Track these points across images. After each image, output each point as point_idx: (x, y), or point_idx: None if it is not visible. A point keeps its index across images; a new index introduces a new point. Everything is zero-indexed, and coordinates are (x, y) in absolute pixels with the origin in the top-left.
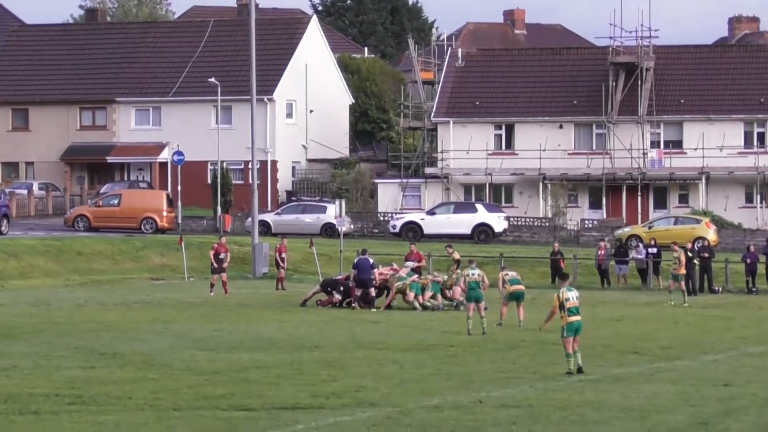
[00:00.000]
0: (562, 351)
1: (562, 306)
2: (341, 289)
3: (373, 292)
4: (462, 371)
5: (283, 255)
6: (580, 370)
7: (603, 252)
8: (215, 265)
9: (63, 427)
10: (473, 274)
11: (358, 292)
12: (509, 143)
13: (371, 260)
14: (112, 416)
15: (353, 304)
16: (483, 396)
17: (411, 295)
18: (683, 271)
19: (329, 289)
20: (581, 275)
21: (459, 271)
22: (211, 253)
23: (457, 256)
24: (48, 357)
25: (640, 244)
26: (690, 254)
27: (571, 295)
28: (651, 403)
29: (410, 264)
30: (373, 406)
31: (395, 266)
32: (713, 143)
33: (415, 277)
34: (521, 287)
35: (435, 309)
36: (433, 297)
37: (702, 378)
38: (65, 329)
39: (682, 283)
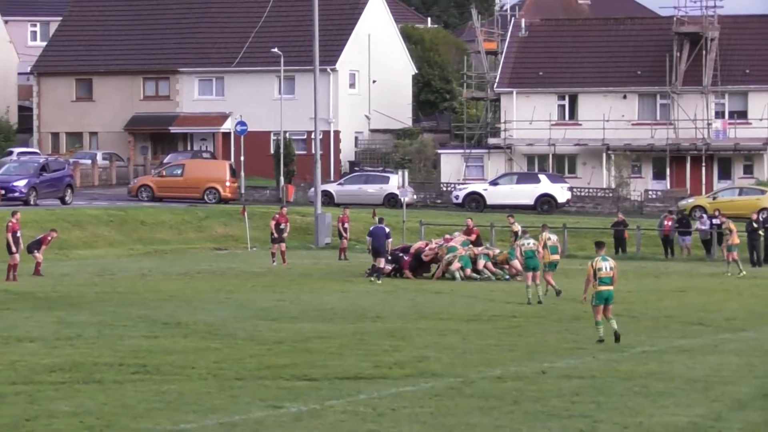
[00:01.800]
0: (627, 322)
1: (594, 275)
2: (389, 258)
3: (382, 263)
4: (525, 342)
5: (346, 225)
6: (617, 338)
7: (670, 223)
8: (275, 235)
9: (127, 396)
10: (528, 244)
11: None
12: (572, 113)
13: (387, 229)
14: (176, 385)
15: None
16: (546, 367)
17: (457, 266)
18: (737, 240)
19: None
20: (644, 246)
21: (517, 242)
22: (272, 223)
23: (517, 227)
24: (112, 326)
25: (704, 215)
26: (755, 225)
27: (605, 265)
28: (715, 374)
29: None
30: (436, 377)
31: (448, 236)
32: None
33: (462, 249)
34: (557, 257)
35: (473, 279)
36: (462, 269)
37: (767, 349)
38: (129, 299)
39: (735, 254)
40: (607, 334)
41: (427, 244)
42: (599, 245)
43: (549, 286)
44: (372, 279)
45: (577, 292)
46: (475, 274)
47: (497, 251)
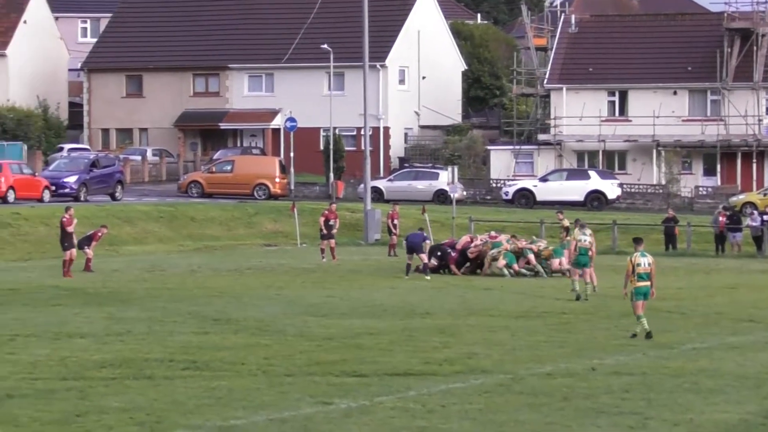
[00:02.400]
0: (677, 319)
1: (633, 270)
2: (438, 254)
3: (425, 258)
4: (574, 338)
5: (396, 221)
6: (648, 336)
7: (724, 219)
8: (325, 231)
9: (177, 392)
10: (585, 240)
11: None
12: (622, 110)
13: (425, 234)
14: (226, 381)
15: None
16: (596, 363)
17: (502, 263)
18: None
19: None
20: (695, 242)
21: (568, 238)
22: (321, 219)
23: (566, 223)
24: (162, 322)
25: (755, 212)
26: None
27: (644, 261)
28: (767, 371)
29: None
30: (485, 373)
31: (494, 233)
32: None
33: (507, 245)
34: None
35: (521, 275)
36: (508, 266)
37: None
38: (179, 295)
39: None
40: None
41: (472, 239)
42: (637, 241)
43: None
44: (425, 276)
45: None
46: (524, 270)
47: (543, 245)
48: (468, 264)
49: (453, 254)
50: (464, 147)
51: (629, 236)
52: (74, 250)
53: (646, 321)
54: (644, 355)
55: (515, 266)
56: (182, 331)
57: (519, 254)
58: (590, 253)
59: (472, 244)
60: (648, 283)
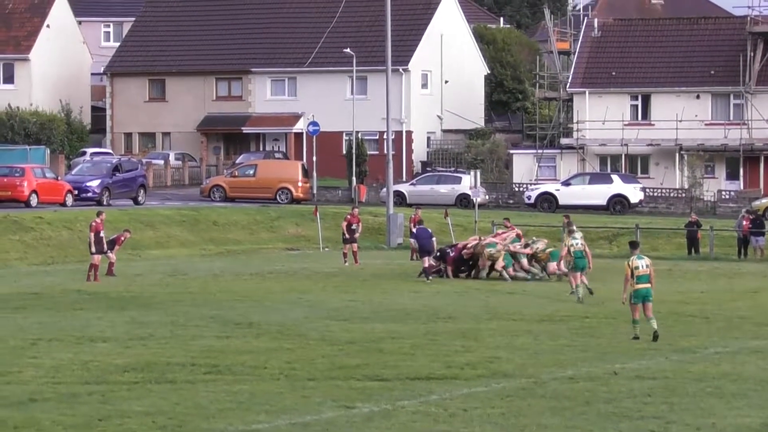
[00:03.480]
0: (699, 323)
1: (632, 274)
2: (437, 254)
3: (427, 261)
4: (596, 343)
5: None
6: (655, 337)
7: (747, 223)
8: (347, 235)
9: (199, 396)
10: (577, 244)
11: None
12: (645, 114)
13: (430, 230)
14: (248, 386)
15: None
16: (618, 368)
17: (501, 264)
18: None
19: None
20: (717, 246)
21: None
22: (344, 223)
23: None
24: (184, 326)
25: None
26: None
27: (641, 264)
28: None
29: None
30: (508, 377)
31: (500, 231)
32: None
33: (501, 246)
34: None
35: (523, 279)
36: (505, 268)
37: None
38: (201, 299)
39: None
40: (646, 332)
41: (480, 240)
42: (633, 245)
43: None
44: (425, 279)
45: (654, 294)
46: (523, 273)
47: (541, 246)
48: (463, 268)
49: (451, 254)
50: (487, 151)
51: (652, 240)
52: (99, 257)
53: (656, 322)
54: (667, 359)
55: (511, 270)
56: (204, 336)
57: (514, 256)
58: (587, 255)
59: (467, 245)
60: (648, 285)
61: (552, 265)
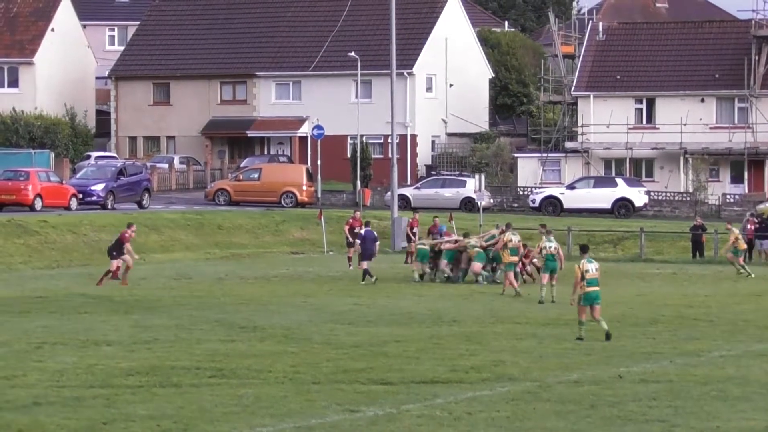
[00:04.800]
0: (704, 326)
1: (582, 276)
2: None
3: (365, 265)
4: (601, 346)
5: (415, 230)
6: (608, 336)
7: (752, 227)
8: (350, 239)
9: (204, 399)
10: (550, 247)
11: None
12: (650, 117)
13: (375, 234)
14: (253, 389)
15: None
16: (623, 371)
17: (477, 267)
18: (743, 246)
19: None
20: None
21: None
22: (346, 227)
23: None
24: (189, 330)
25: None
26: None
27: (591, 267)
28: None
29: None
30: (513, 381)
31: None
32: None
33: (450, 245)
34: (515, 258)
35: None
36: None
37: None
38: (206, 302)
39: (740, 258)
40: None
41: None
42: (584, 248)
43: (507, 286)
44: (366, 282)
45: (654, 296)
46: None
47: (473, 241)
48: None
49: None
50: (491, 155)
51: (656, 244)
52: (116, 262)
53: (605, 323)
54: (671, 362)
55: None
56: (209, 339)
57: (461, 253)
58: (559, 258)
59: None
60: (597, 288)
61: (476, 265)
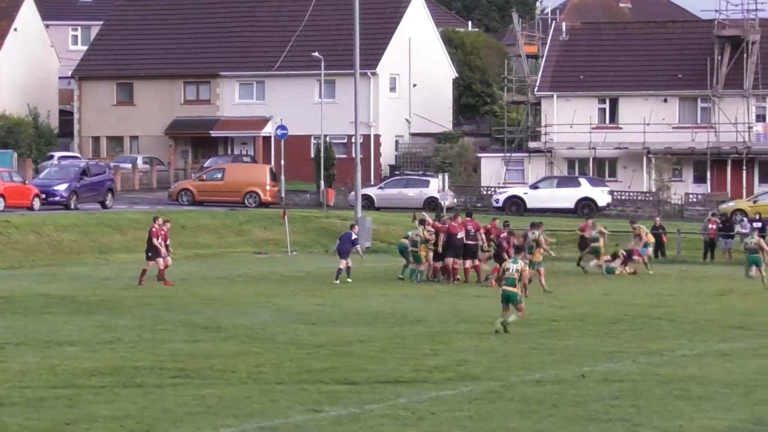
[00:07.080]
0: (667, 326)
1: (503, 274)
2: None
3: (343, 263)
4: (564, 345)
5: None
6: (505, 328)
7: (714, 226)
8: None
9: (167, 400)
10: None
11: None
12: (613, 117)
13: (354, 236)
14: (216, 389)
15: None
16: (586, 370)
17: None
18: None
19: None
20: (685, 249)
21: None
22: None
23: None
24: (152, 330)
25: (745, 219)
26: None
27: (512, 267)
28: (756, 378)
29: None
30: (476, 380)
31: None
32: None
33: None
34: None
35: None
36: None
37: None
38: (169, 303)
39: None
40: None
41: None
42: (517, 249)
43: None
44: (347, 279)
45: (622, 296)
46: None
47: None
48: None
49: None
50: (455, 155)
51: (621, 244)
52: (152, 263)
53: (514, 316)
54: (634, 362)
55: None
56: (172, 339)
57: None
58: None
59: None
60: (514, 289)
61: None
